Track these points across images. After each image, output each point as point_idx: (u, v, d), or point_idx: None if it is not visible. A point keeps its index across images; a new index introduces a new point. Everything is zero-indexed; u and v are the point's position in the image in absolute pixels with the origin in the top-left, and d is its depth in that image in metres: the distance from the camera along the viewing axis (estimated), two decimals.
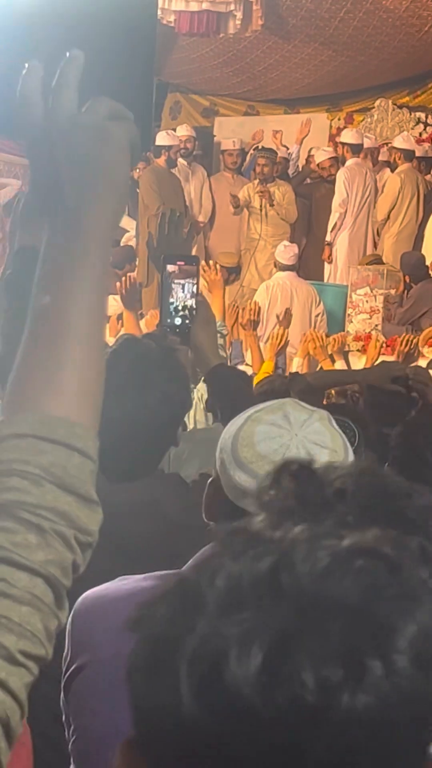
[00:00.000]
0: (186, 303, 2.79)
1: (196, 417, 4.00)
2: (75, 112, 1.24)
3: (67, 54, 1.31)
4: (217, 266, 7.36)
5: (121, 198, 1.24)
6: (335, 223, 11.89)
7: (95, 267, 1.18)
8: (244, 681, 0.79)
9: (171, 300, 2.79)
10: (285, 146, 13.22)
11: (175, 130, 12.85)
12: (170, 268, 2.81)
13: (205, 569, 0.87)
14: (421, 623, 0.82)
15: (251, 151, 13.02)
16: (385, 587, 0.83)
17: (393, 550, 0.85)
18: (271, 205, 11.98)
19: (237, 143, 13.15)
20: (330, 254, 12.04)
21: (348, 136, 12.14)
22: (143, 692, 0.86)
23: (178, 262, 2.83)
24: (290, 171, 13.03)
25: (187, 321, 2.78)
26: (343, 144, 12.24)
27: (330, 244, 12.01)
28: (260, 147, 12.78)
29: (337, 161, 12.38)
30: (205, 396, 3.36)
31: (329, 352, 8.62)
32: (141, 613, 0.89)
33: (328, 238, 12.00)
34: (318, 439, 1.81)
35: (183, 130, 12.94)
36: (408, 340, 7.73)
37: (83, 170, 1.21)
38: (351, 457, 1.85)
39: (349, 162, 11.99)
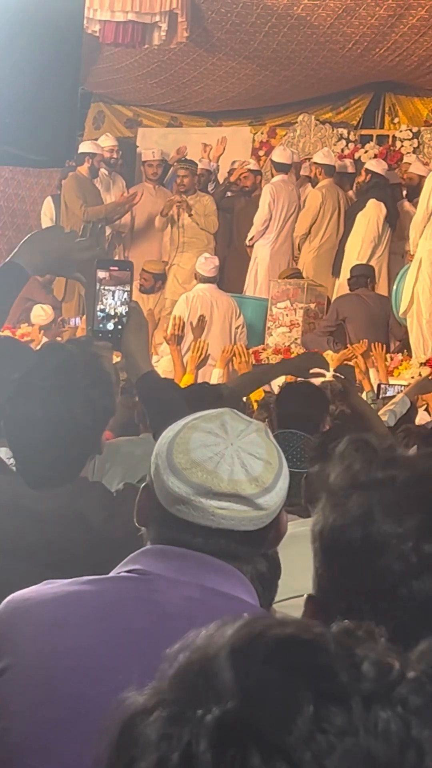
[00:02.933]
0: (117, 310, 2.75)
1: None
2: None
3: None
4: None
5: None
6: (252, 237, 11.97)
7: None
8: None
9: (101, 306, 2.75)
10: (209, 158, 13.28)
11: (98, 139, 12.83)
12: (101, 274, 2.77)
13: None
14: None
15: (174, 164, 13.03)
16: None
17: None
18: (189, 215, 11.99)
19: (157, 154, 13.16)
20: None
21: (278, 155, 12.19)
22: None
23: (111, 268, 2.79)
24: (211, 185, 13.07)
25: (119, 327, 2.74)
26: (272, 162, 12.32)
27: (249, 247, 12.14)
28: (183, 158, 12.80)
29: (254, 175, 12.50)
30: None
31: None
32: None
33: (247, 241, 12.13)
34: (254, 450, 1.81)
35: (106, 140, 12.92)
36: None
37: None
38: (285, 469, 1.86)
39: (276, 178, 12.05)
